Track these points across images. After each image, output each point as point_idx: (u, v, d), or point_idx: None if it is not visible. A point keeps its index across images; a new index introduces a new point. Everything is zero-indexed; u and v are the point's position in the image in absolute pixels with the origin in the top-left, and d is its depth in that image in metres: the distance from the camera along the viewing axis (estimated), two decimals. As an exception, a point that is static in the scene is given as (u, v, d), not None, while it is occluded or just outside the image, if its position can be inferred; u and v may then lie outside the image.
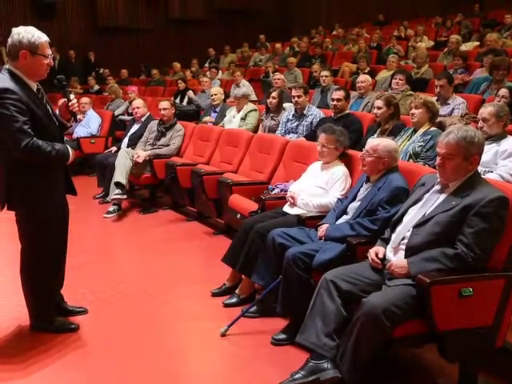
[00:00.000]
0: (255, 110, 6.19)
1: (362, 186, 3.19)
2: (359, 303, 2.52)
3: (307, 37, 12.39)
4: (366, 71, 8.05)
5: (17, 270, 3.01)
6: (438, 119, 4.18)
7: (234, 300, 3.47)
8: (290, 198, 3.61)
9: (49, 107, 2.89)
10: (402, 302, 2.36)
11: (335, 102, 4.94)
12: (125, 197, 5.44)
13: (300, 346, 2.85)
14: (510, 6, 11.29)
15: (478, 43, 8.76)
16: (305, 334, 2.59)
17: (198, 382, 2.69)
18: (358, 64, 8.45)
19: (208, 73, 9.58)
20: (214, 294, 3.60)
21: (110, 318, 3.32)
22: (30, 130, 2.67)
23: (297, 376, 2.49)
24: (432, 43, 10.37)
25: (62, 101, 2.98)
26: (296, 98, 5.28)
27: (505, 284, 2.44)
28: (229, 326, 3.10)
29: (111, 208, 5.45)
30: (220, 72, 10.32)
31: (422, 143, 3.92)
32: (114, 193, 5.34)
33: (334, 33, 12.96)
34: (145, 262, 4.31)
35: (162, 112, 5.74)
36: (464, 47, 8.54)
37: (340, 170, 3.57)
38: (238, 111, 6.20)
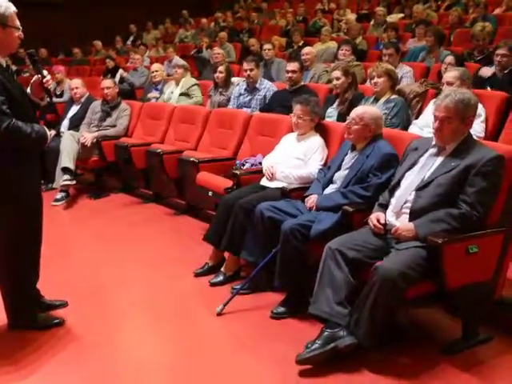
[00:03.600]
0: (197, 84, 6.06)
1: (346, 154, 3.20)
2: (366, 270, 2.56)
3: (230, 11, 12.21)
4: (300, 44, 8.07)
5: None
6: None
7: (220, 278, 3.40)
8: (268, 172, 3.55)
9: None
10: (415, 264, 2.40)
11: (290, 74, 4.90)
12: (74, 182, 5.13)
13: (302, 317, 2.90)
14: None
15: (402, 15, 9.04)
16: (316, 305, 2.58)
17: (208, 366, 2.59)
18: (292, 37, 8.42)
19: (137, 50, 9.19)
20: (197, 275, 3.51)
21: (93, 309, 3.12)
22: (8, 111, 2.41)
23: (314, 346, 2.47)
24: (355, 16, 10.58)
25: (35, 77, 2.71)
26: (248, 72, 5.18)
27: (503, 239, 2.56)
28: (224, 305, 3.02)
29: (59, 195, 5.11)
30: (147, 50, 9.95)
31: (386, 111, 3.98)
32: (63, 179, 5.01)
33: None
34: (111, 248, 4.08)
35: (106, 91, 5.44)
36: (389, 19, 8.79)
37: (317, 140, 3.56)
38: (177, 83, 6.02)
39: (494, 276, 2.59)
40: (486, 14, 7.46)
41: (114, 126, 5.46)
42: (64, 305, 3.08)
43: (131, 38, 11.70)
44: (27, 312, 2.82)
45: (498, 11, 7.91)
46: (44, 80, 2.68)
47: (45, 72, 2.70)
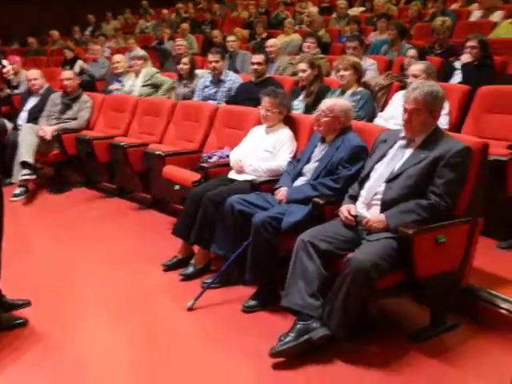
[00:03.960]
0: (159, 72, 5.99)
1: (315, 146, 3.20)
2: (338, 261, 2.58)
3: (192, 2, 12.07)
4: (263, 36, 8.06)
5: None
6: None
7: (190, 270, 3.37)
8: (237, 165, 3.52)
9: None
10: (386, 255, 2.43)
11: (256, 66, 4.88)
12: (34, 177, 4.96)
13: (274, 310, 2.91)
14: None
15: (363, 8, 9.14)
16: (289, 297, 2.58)
17: (179, 361, 2.55)
18: (255, 29, 8.38)
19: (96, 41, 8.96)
20: (166, 267, 3.47)
21: (57, 307, 3.04)
22: None
23: (288, 339, 2.47)
24: (317, 8, 10.62)
25: (-5, 67, 2.59)
26: (213, 64, 5.13)
27: (469, 228, 2.63)
28: (195, 300, 3.00)
29: (18, 190, 4.94)
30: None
31: (353, 103, 4.01)
32: (22, 173, 4.84)
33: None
34: (74, 244, 3.96)
35: (66, 83, 5.29)
36: (351, 12, 8.87)
37: (286, 132, 3.55)
38: (137, 75, 5.92)
39: (461, 265, 2.66)
40: (445, 8, 7.61)
41: (75, 118, 5.30)
42: (27, 304, 2.96)
43: (90, 29, 11.41)
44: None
45: (454, 6, 8.09)
46: (4, 70, 2.57)
47: (4, 62, 2.59)
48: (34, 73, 5.67)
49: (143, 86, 5.91)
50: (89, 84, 7.25)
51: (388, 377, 2.40)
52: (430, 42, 5.80)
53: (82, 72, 7.70)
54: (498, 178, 3.10)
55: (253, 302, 2.97)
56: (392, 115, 3.92)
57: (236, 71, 6.09)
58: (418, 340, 2.63)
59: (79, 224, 4.41)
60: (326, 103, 3.10)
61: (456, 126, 3.73)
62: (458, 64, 4.61)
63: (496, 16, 6.68)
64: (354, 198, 2.79)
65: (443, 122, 3.58)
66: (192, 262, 3.40)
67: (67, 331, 2.80)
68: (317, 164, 3.10)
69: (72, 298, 3.16)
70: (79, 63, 7.76)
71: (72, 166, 5.42)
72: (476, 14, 7.11)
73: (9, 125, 2.56)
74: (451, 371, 2.44)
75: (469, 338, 2.67)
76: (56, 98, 5.41)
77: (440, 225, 2.50)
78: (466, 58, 4.50)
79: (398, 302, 2.91)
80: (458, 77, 4.50)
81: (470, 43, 4.55)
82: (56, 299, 3.12)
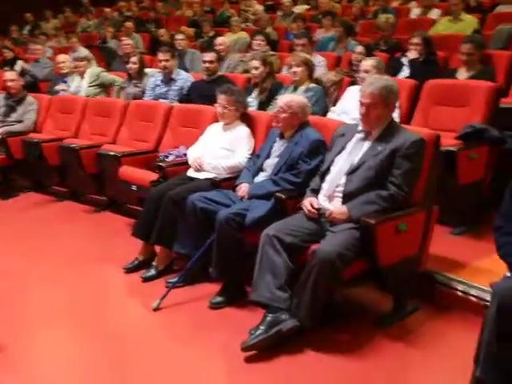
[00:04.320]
0: (104, 70, 5.91)
1: (274, 142, 3.25)
2: (303, 253, 2.64)
3: (134, 1, 11.86)
4: (210, 34, 8.04)
5: None
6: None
7: (152, 272, 3.35)
8: (196, 163, 3.52)
9: None
10: (350, 245, 2.51)
11: (207, 64, 4.87)
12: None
13: (241, 305, 2.95)
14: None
15: (308, 6, 9.28)
16: (257, 291, 2.62)
17: (148, 362, 2.53)
18: (202, 28, 8.35)
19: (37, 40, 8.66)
20: (128, 270, 3.43)
21: (19, 314, 2.96)
22: None
23: (258, 332, 2.51)
24: (262, 7, 10.70)
25: None
26: (164, 63, 5.08)
27: (426, 216, 2.75)
28: (161, 300, 2.98)
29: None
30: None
31: (307, 99, 4.10)
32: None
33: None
34: (26, 250, 3.85)
35: (9, 84, 5.14)
36: (296, 10, 8.99)
37: (243, 130, 3.58)
38: (81, 76, 5.80)
39: (419, 251, 2.78)
40: (386, 6, 7.85)
41: (21, 121, 5.14)
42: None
43: (28, 27, 11.00)
44: None
45: (395, 4, 8.36)
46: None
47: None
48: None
49: (89, 86, 5.79)
50: (32, 85, 7.01)
51: (356, 362, 2.48)
52: (375, 38, 5.97)
53: (23, 73, 7.42)
54: (449, 167, 3.24)
55: (219, 299, 2.99)
56: (344, 110, 4.04)
57: (185, 70, 6.04)
58: (382, 325, 2.74)
59: (30, 229, 4.29)
60: (284, 100, 3.15)
61: (406, 118, 3.88)
62: (404, 60, 4.79)
63: (434, 13, 6.96)
64: (316, 192, 2.85)
65: (395, 115, 3.70)
66: (154, 263, 3.38)
67: (27, 340, 2.73)
68: (277, 159, 3.15)
69: (26, 306, 3.07)
70: (20, 63, 7.47)
71: (20, 170, 5.23)
72: (415, 12, 7.38)
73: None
74: (414, 353, 2.56)
75: (428, 320, 2.80)
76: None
77: (400, 213, 2.61)
78: (412, 54, 4.68)
79: (362, 291, 3.00)
80: (405, 72, 4.67)
81: (414, 40, 4.74)
82: (8, 307, 3.03)
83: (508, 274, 2.08)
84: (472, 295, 2.78)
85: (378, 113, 2.68)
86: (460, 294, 2.85)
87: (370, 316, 2.84)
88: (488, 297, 2.63)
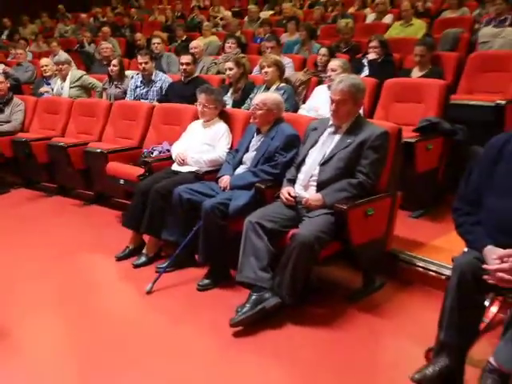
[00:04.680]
0: (85, 74, 5.82)
1: (252, 137, 3.28)
2: (282, 237, 2.69)
3: (109, 7, 11.64)
4: (183, 38, 7.97)
5: None
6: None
7: (142, 260, 3.34)
8: (179, 158, 3.53)
9: None
10: (326, 228, 2.58)
11: (184, 66, 4.85)
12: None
13: (225, 286, 2.98)
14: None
15: (272, 12, 9.30)
16: (243, 273, 2.66)
17: (144, 341, 2.55)
18: (175, 32, 8.26)
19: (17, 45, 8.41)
20: (119, 258, 3.42)
21: (19, 304, 2.91)
22: None
23: (245, 309, 2.55)
24: (229, 13, 10.66)
25: None
26: (143, 65, 5.03)
27: (391, 201, 2.84)
28: (153, 284, 2.99)
29: (-46, 195, 4.61)
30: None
31: (278, 98, 4.14)
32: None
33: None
34: (20, 242, 3.77)
35: (-1, 87, 4.98)
36: (262, 15, 9.00)
37: (222, 126, 3.60)
38: (63, 79, 5.70)
39: (385, 233, 2.87)
40: (344, 12, 7.94)
41: (9, 121, 5.02)
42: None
43: (6, 32, 10.66)
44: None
45: (351, 10, 8.46)
46: None
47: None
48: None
49: (71, 87, 5.68)
50: (15, 88, 6.83)
51: (333, 333, 2.56)
52: (336, 41, 6.05)
53: (6, 76, 7.22)
54: (407, 157, 3.34)
55: (206, 281, 3.02)
56: (313, 106, 4.10)
57: (162, 71, 6.00)
58: (354, 300, 2.82)
59: (23, 222, 4.20)
60: (260, 98, 3.18)
61: (368, 113, 3.96)
62: (365, 61, 4.88)
63: (387, 18, 7.09)
64: (292, 181, 2.90)
65: (360, 110, 3.80)
66: (144, 251, 3.37)
67: (25, 326, 2.70)
68: (255, 153, 3.19)
69: (24, 295, 3.01)
70: (2, 67, 7.24)
71: (9, 168, 5.11)
72: (370, 17, 7.50)
73: None
74: (382, 322, 2.65)
75: (394, 294, 2.90)
76: (-14, 102, 5.07)
77: (368, 199, 2.69)
78: (371, 55, 4.78)
79: (333, 269, 3.08)
80: (365, 72, 4.76)
81: (372, 43, 4.83)
82: (10, 296, 2.98)
83: (465, 250, 2.18)
84: (432, 270, 2.88)
85: (347, 109, 2.74)
86: (421, 269, 2.95)
87: (342, 292, 2.92)
88: (445, 271, 2.77)
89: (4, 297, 2.88)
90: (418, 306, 2.76)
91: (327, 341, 2.49)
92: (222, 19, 9.37)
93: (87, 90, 5.75)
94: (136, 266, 3.30)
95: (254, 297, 2.59)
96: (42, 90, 5.83)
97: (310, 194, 2.75)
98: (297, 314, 2.66)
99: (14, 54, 7.48)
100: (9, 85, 5.15)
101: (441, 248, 3.09)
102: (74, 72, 5.82)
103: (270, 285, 2.62)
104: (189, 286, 3.03)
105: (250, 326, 2.55)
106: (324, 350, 2.43)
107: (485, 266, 1.91)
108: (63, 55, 7.48)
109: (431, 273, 2.88)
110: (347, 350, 2.43)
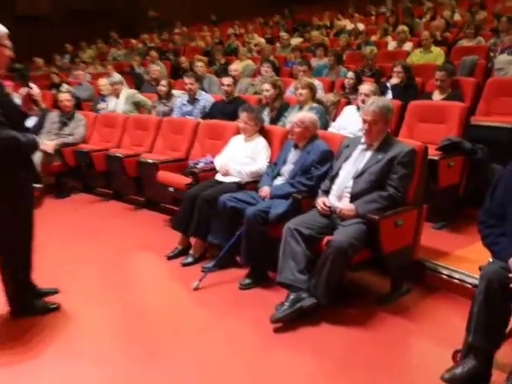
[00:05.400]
0: (137, 92, 5.92)
1: (290, 151, 3.28)
2: (318, 243, 2.68)
3: (156, 34, 11.87)
4: (222, 62, 8.06)
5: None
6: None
7: (190, 260, 3.36)
8: (223, 169, 3.55)
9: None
10: (358, 236, 2.55)
11: (226, 87, 4.89)
12: (41, 185, 4.74)
13: (265, 286, 2.98)
14: (311, 10, 12.23)
15: (301, 39, 9.31)
16: (282, 274, 2.65)
17: (193, 332, 2.57)
18: (214, 56, 8.36)
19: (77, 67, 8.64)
20: (170, 258, 3.44)
21: (83, 294, 2.97)
22: (5, 121, 2.22)
23: (284, 307, 2.55)
24: (263, 40, 10.73)
25: (24, 90, 2.50)
26: (189, 86, 5.10)
27: (417, 213, 2.79)
28: (199, 281, 3.01)
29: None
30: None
31: (311, 117, 4.12)
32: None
33: (177, 30, 12.60)
34: (82, 241, 3.84)
35: (66, 103, 5.20)
36: (292, 42, 9.02)
37: (262, 141, 3.61)
38: (117, 97, 5.82)
39: (413, 242, 2.82)
40: (368, 40, 7.90)
41: (72, 134, 5.13)
42: (55, 292, 2.89)
43: (67, 56, 10.97)
44: (27, 300, 2.65)
45: (374, 38, 8.41)
46: (32, 92, 2.50)
47: (32, 85, 2.51)
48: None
49: (125, 104, 5.80)
50: (76, 105, 7.02)
51: (364, 332, 2.52)
52: (360, 65, 6.01)
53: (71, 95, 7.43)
54: (431, 173, 3.28)
55: (248, 281, 3.02)
56: (342, 125, 4.07)
57: (204, 91, 6.08)
58: (382, 303, 2.77)
59: (84, 223, 4.29)
60: (297, 117, 3.18)
61: (393, 133, 3.90)
62: (389, 84, 4.83)
63: (407, 46, 7.02)
64: (327, 193, 2.89)
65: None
66: (191, 252, 3.40)
67: (90, 312, 2.76)
68: (292, 166, 3.18)
69: (90, 286, 3.09)
70: (66, 87, 7.44)
71: (70, 175, 5.23)
72: (392, 45, 7.44)
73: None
74: (409, 324, 2.60)
75: (420, 299, 2.84)
76: (54, 116, 5.21)
77: (398, 211, 2.65)
78: (394, 80, 4.73)
79: (364, 274, 3.04)
80: (389, 94, 4.71)
81: (396, 68, 4.78)
82: (75, 287, 3.04)
83: (491, 260, 2.12)
84: (456, 278, 2.81)
85: (378, 128, 2.72)
86: (445, 277, 2.88)
87: (371, 295, 2.88)
88: (469, 279, 2.71)
89: (68, 288, 2.93)
90: (443, 311, 2.70)
91: (358, 339, 2.46)
92: (255, 45, 9.43)
93: (138, 106, 5.87)
94: (184, 265, 3.32)
95: (292, 296, 2.58)
96: (99, 106, 5.97)
97: (344, 205, 2.72)
98: (331, 313, 2.63)
99: (75, 75, 7.67)
100: (73, 102, 5.26)
101: (463, 258, 3.02)
102: (127, 90, 5.95)
103: (307, 286, 2.61)
104: (231, 284, 3.03)
105: (288, 322, 2.54)
106: (356, 348, 2.40)
107: (511, 275, 1.87)
108: (117, 76, 7.63)
109: (455, 280, 2.81)
110: (377, 349, 2.39)
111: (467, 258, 2.93)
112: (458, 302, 2.70)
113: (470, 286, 2.68)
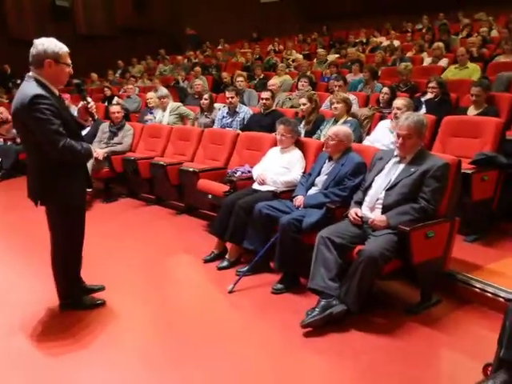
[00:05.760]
0: (181, 105, 6.07)
1: (324, 163, 3.27)
2: (349, 252, 2.65)
3: (200, 50, 12.15)
4: (261, 77, 8.14)
5: (44, 256, 2.66)
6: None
7: (225, 263, 3.39)
8: (260, 178, 3.58)
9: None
10: (389, 246, 2.51)
11: (264, 101, 4.94)
12: (90, 190, 4.94)
13: (296, 292, 2.96)
14: (348, 27, 12.18)
15: (337, 55, 9.28)
16: (314, 281, 2.64)
17: (226, 332, 2.59)
18: (254, 71, 8.46)
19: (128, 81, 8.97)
20: (206, 261, 3.49)
21: (126, 292, 3.06)
22: (64, 132, 2.34)
23: (314, 313, 2.53)
24: (301, 56, 10.77)
25: (81, 103, 2.63)
26: (230, 99, 5.20)
27: (450, 226, 2.71)
28: (234, 285, 3.03)
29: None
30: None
31: (345, 130, 4.10)
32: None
33: (220, 47, 12.85)
34: (128, 242, 3.97)
35: (117, 115, 5.40)
36: (329, 58, 9.01)
37: (297, 153, 3.62)
38: (164, 109, 5.97)
39: (444, 254, 2.74)
40: (403, 56, 7.78)
41: (121, 143, 5.33)
42: (102, 289, 3.00)
43: (119, 71, 11.40)
44: (75, 295, 2.76)
45: (409, 54, 8.27)
46: (88, 105, 2.62)
47: (89, 99, 2.63)
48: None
49: (170, 116, 5.96)
50: (125, 116, 7.27)
51: (393, 341, 2.46)
52: (395, 81, 5.92)
53: (121, 107, 7.70)
54: (464, 187, 3.19)
55: (280, 286, 3.02)
56: (377, 138, 4.02)
57: (244, 105, 6.16)
58: (412, 313, 2.70)
59: (129, 226, 4.41)
60: (332, 130, 3.17)
61: (427, 147, 3.81)
62: (423, 99, 4.74)
63: (442, 62, 6.85)
64: (359, 203, 2.86)
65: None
66: (226, 256, 3.43)
67: (136, 310, 2.84)
68: (326, 177, 3.17)
69: (133, 285, 3.18)
70: (116, 99, 7.73)
71: (117, 180, 5.41)
72: (427, 60, 7.29)
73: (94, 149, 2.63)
74: (439, 336, 2.52)
75: (450, 311, 2.74)
76: (105, 127, 5.43)
77: (429, 223, 2.59)
78: (428, 95, 4.63)
79: (393, 284, 2.98)
80: (423, 109, 4.62)
81: (431, 84, 4.68)
82: (120, 285, 3.14)
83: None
84: (489, 292, 2.70)
85: (412, 142, 2.68)
86: (477, 290, 2.77)
87: (400, 305, 2.80)
88: (502, 294, 2.60)
89: (114, 288, 3.03)
90: (474, 324, 2.59)
91: (386, 348, 2.40)
92: (293, 61, 9.48)
93: (182, 118, 6.01)
94: (220, 269, 3.36)
95: (322, 303, 2.56)
96: (146, 117, 6.16)
97: (376, 216, 2.69)
98: (360, 321, 2.59)
99: (125, 88, 7.94)
100: (123, 114, 5.45)
101: (496, 271, 2.90)
102: (173, 103, 6.10)
103: (337, 293, 2.58)
104: (264, 288, 3.04)
105: (318, 328, 2.52)
106: (383, 357, 2.34)
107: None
108: (164, 90, 7.85)
109: (488, 294, 2.70)
110: (405, 358, 2.32)
111: (500, 272, 2.82)
112: (490, 316, 2.60)
113: (502, 300, 2.58)
